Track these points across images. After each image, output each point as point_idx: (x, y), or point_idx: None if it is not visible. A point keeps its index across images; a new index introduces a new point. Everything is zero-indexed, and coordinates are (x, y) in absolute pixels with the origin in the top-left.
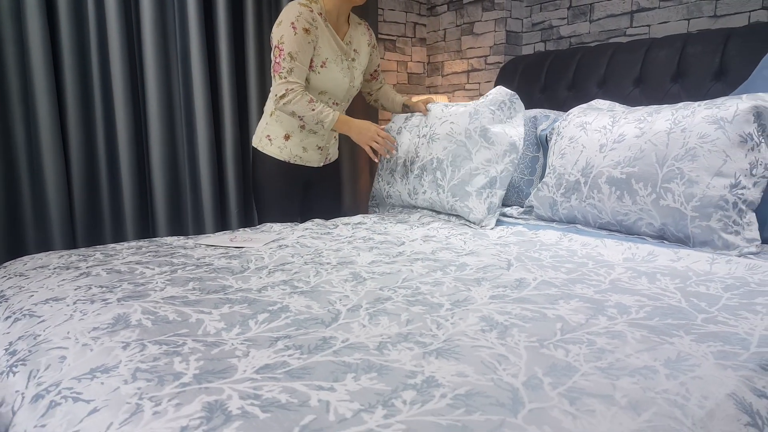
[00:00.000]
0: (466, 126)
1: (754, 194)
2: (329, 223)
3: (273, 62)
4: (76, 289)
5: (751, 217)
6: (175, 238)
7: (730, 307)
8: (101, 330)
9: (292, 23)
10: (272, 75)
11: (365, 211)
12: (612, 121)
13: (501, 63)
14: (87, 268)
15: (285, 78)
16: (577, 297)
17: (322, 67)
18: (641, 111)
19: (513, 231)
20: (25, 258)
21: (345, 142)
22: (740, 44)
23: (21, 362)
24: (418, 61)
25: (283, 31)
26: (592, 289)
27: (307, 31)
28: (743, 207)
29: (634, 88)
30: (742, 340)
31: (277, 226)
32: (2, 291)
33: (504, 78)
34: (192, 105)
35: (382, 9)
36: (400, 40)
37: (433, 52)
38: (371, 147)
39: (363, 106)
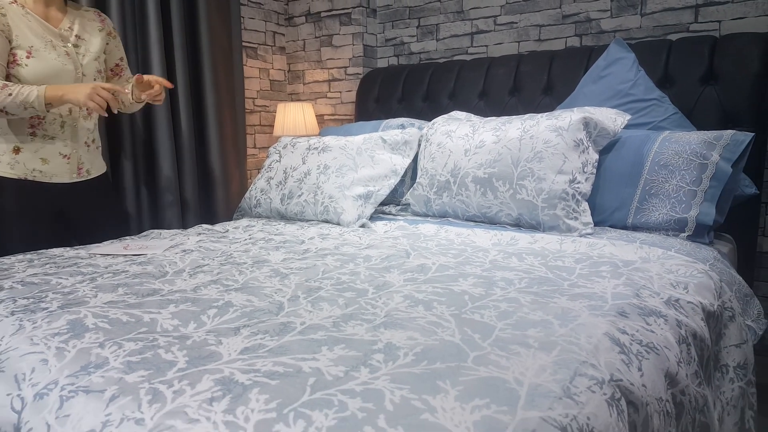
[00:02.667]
0: (359, 145)
1: (587, 187)
2: (217, 227)
3: None
4: (0, 302)
5: (585, 205)
6: (63, 249)
7: (584, 275)
8: (64, 335)
9: None
10: None
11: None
12: (472, 129)
13: (360, 74)
14: None
15: None
16: (470, 275)
17: (28, 57)
18: (495, 121)
19: (396, 226)
20: None
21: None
22: (562, 64)
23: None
24: (279, 69)
25: None
26: (479, 268)
27: None
28: (579, 198)
29: (479, 100)
30: (601, 297)
31: (165, 233)
32: None
33: (364, 88)
34: None
35: (243, 17)
36: (261, 48)
37: (294, 60)
38: (91, 106)
39: (233, 139)
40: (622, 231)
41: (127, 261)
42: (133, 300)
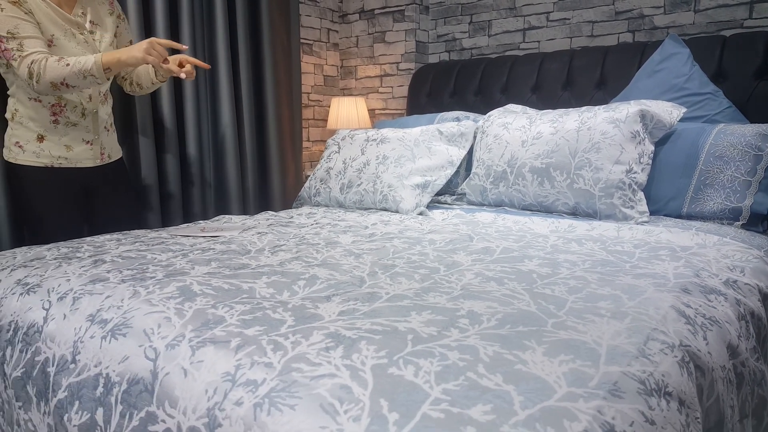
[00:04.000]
0: (417, 137)
1: (643, 177)
2: (281, 213)
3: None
4: (108, 272)
5: (641, 195)
6: (144, 231)
7: (644, 258)
8: (177, 298)
9: None
10: (8, 66)
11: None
12: (529, 122)
13: (412, 69)
14: (92, 256)
15: (20, 56)
16: (534, 257)
17: (50, 46)
18: (552, 113)
19: (453, 214)
20: (12, 252)
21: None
22: (615, 60)
23: (124, 327)
24: (333, 65)
25: None
26: (542, 251)
27: (15, 3)
28: (635, 187)
29: (532, 94)
30: (663, 277)
31: (235, 218)
32: (24, 279)
33: (417, 83)
34: None
35: (300, 15)
36: (316, 44)
37: (346, 56)
38: (150, 61)
39: (290, 133)
40: (677, 220)
41: (208, 241)
42: (227, 272)
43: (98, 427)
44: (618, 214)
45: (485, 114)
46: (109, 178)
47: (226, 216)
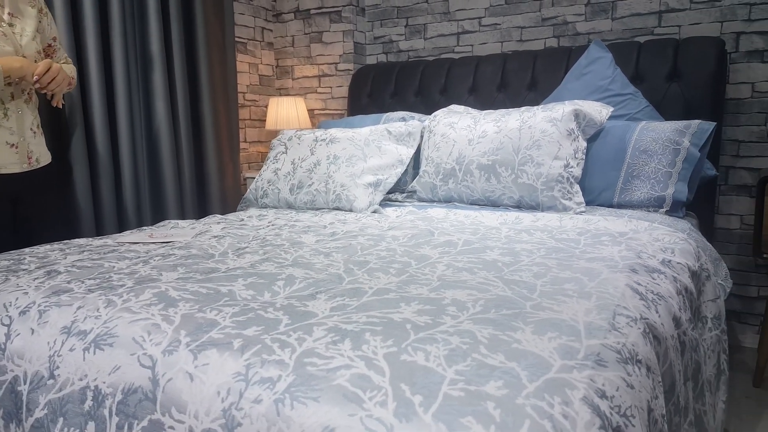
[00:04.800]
0: (367, 136)
1: (578, 171)
2: (230, 216)
3: None
4: (68, 282)
5: (577, 187)
6: (86, 240)
7: (589, 244)
8: (158, 305)
9: None
10: None
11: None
12: (474, 121)
13: (350, 70)
14: (41, 268)
15: None
16: (494, 248)
17: None
18: (495, 113)
19: (406, 211)
20: None
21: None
22: (544, 63)
23: (108, 336)
24: (268, 64)
25: None
26: (499, 242)
27: None
28: (572, 180)
29: (469, 95)
30: (612, 260)
31: (182, 222)
32: None
33: (357, 83)
34: None
35: (233, 13)
36: (251, 43)
37: (282, 56)
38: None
39: (227, 133)
40: (609, 209)
41: (163, 247)
42: (199, 277)
43: None
44: (558, 206)
45: (427, 114)
46: (35, 185)
47: (172, 221)
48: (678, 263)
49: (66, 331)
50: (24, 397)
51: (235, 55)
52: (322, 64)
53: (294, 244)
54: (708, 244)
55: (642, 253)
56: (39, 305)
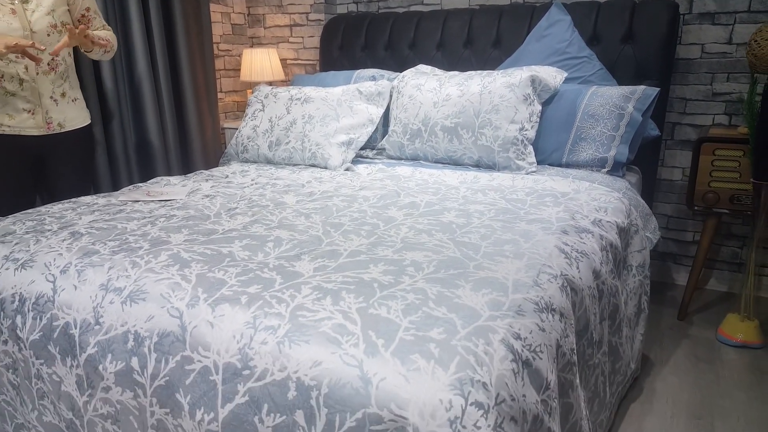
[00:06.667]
0: (339, 97)
1: (532, 134)
2: (215, 172)
3: None
4: (93, 244)
5: (531, 148)
6: (91, 198)
7: (534, 204)
8: (174, 266)
9: None
10: None
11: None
12: (439, 84)
13: (321, 20)
14: (63, 229)
15: None
16: (451, 209)
17: None
18: (459, 77)
19: (377, 169)
20: None
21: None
22: (508, 20)
23: (140, 293)
24: (240, 13)
25: None
26: (456, 203)
27: None
28: (526, 142)
29: (437, 51)
30: (548, 221)
31: (173, 179)
32: (12, 255)
33: (328, 35)
34: None
35: None
36: None
37: (253, 4)
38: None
39: (205, 84)
40: (558, 168)
41: (162, 206)
42: (203, 239)
43: (135, 372)
44: (513, 165)
45: (397, 70)
46: (62, 148)
47: (164, 178)
48: (608, 222)
49: (104, 288)
50: (76, 339)
51: (209, 7)
52: (293, 13)
53: (278, 205)
54: (641, 200)
55: (576, 214)
56: (75, 265)
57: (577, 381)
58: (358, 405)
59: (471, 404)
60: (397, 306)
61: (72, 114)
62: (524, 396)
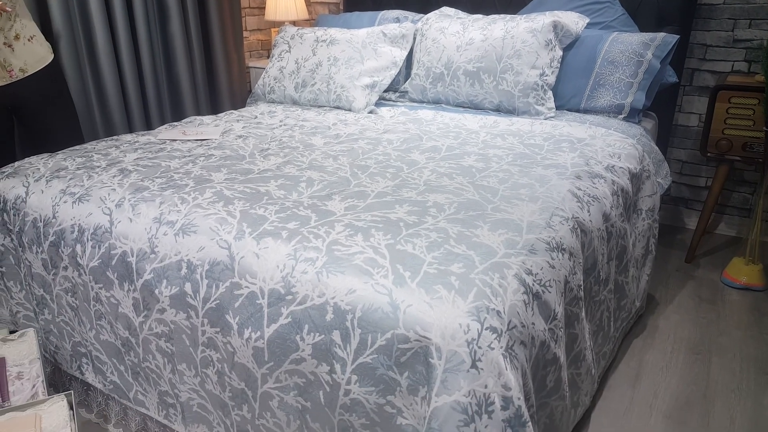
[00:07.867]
0: (364, 39)
1: (552, 79)
2: (244, 113)
3: None
4: (142, 181)
5: (550, 94)
6: (132, 136)
7: (550, 150)
8: (219, 203)
9: None
10: None
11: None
12: (462, 27)
13: None
14: (111, 165)
15: None
16: (471, 153)
17: None
18: (482, 20)
19: (399, 112)
20: (30, 160)
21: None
22: None
23: (191, 226)
24: None
25: None
26: (476, 147)
27: None
28: (546, 88)
29: None
30: (563, 166)
31: (206, 119)
32: (69, 189)
33: None
34: None
35: None
36: None
37: None
38: None
39: (231, 21)
40: (576, 114)
41: (200, 146)
42: (241, 178)
43: (188, 296)
44: (532, 111)
45: (420, 11)
46: (32, 92)
47: (197, 117)
48: (621, 167)
49: (157, 221)
50: (133, 266)
51: None
52: None
53: (307, 147)
54: (655, 147)
55: (591, 160)
56: (129, 200)
57: (583, 314)
58: (387, 327)
59: (486, 328)
60: (421, 243)
61: (32, 55)
62: (533, 324)
